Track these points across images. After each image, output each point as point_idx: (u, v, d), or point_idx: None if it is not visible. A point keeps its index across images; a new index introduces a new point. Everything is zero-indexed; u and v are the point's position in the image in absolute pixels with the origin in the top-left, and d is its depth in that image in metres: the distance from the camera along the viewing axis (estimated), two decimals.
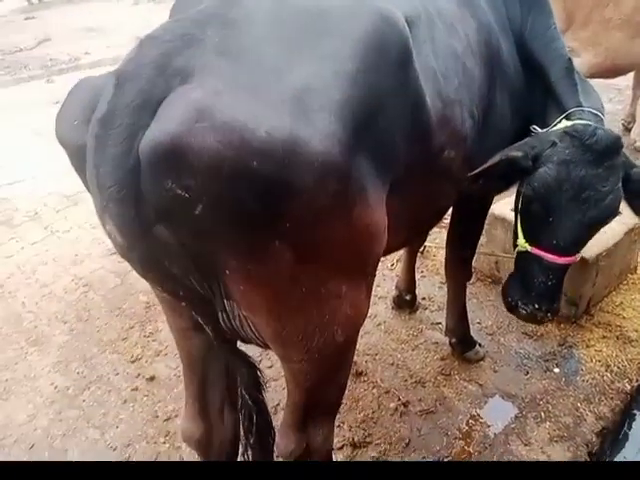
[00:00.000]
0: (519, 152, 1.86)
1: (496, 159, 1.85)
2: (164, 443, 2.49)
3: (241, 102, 1.08)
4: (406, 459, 2.38)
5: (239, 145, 1.04)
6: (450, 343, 2.89)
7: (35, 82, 8.77)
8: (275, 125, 1.07)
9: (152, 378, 2.83)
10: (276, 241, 1.17)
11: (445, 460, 2.38)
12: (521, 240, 1.97)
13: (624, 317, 3.09)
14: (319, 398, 1.58)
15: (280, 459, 1.70)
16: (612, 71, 4.40)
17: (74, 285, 3.57)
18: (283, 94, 1.13)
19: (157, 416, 2.62)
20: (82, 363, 2.95)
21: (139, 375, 2.86)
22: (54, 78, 8.78)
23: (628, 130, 5.28)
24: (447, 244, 2.70)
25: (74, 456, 2.46)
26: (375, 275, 1.56)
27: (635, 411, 2.71)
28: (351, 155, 1.20)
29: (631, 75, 5.28)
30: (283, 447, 1.64)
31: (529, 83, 2.17)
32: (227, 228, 1.14)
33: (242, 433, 1.72)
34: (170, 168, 1.05)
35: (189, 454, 2.43)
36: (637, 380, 2.80)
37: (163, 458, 2.43)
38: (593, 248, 2.91)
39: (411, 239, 2.46)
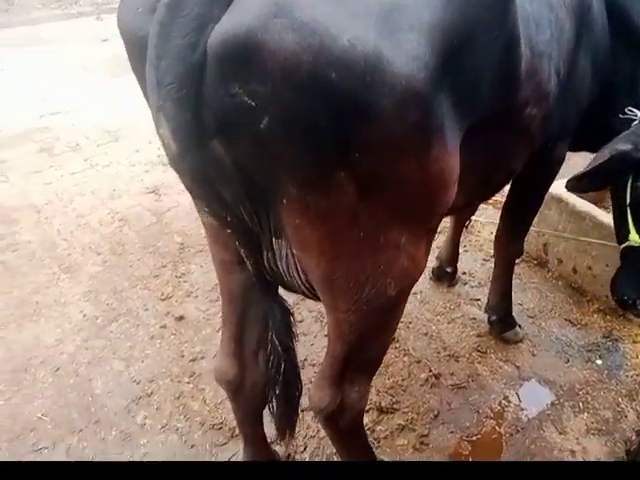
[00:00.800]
0: (628, 144, 1.71)
1: (605, 156, 1.69)
2: (188, 383, 2.46)
3: (324, 5, 0.96)
4: (433, 431, 2.30)
5: (318, 50, 0.93)
6: (489, 321, 2.77)
7: (84, 18, 8.71)
8: (359, 36, 0.95)
9: (181, 318, 2.78)
10: (342, 172, 1.07)
11: (473, 437, 2.29)
12: (635, 236, 1.85)
13: None
14: (360, 353, 1.48)
15: (310, 411, 1.63)
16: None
17: (110, 218, 3.53)
18: (370, 7, 1.00)
19: (183, 355, 2.58)
20: (112, 295, 2.92)
21: (168, 313, 2.82)
22: (103, 16, 8.70)
23: None
24: (502, 216, 2.55)
25: (98, 385, 2.44)
26: (435, 234, 1.45)
27: None
28: (436, 86, 1.07)
29: None
30: (317, 400, 1.56)
31: (615, 48, 1.98)
32: (292, 148, 1.03)
33: (269, 387, 1.63)
34: (239, 67, 0.94)
35: (212, 397, 2.40)
36: None
37: (186, 398, 2.39)
38: None
39: (470, 202, 2.31)
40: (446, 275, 3.08)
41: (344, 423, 1.62)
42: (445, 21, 1.07)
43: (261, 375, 1.68)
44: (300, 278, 1.36)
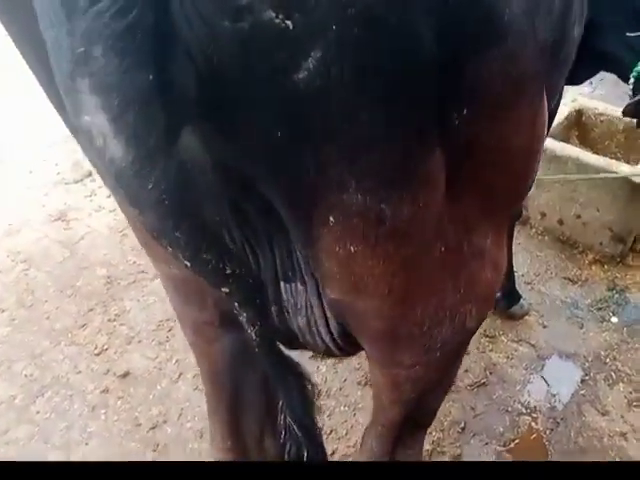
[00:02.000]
0: None
1: None
2: (153, 459, 1.92)
3: None
4: (465, 448, 1.93)
5: None
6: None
7: None
8: None
9: (126, 374, 2.21)
10: (438, 148, 0.64)
11: (511, 444, 1.94)
12: None
13: None
14: (421, 413, 1.09)
15: None
16: None
17: (10, 261, 2.83)
18: None
19: (139, 424, 2.03)
20: (30, 362, 2.28)
21: (108, 371, 2.23)
22: None
23: None
24: None
25: None
26: None
27: None
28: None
29: None
30: None
31: None
32: (364, 108, 0.55)
33: None
34: None
35: None
36: None
37: None
38: None
39: None
40: None
41: None
42: None
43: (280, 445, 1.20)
44: (330, 333, 0.92)
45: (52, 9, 0.47)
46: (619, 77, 1.76)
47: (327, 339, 0.93)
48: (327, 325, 0.90)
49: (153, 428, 2.01)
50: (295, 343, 0.97)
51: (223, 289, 0.70)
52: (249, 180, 0.68)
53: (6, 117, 4.04)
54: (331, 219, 0.67)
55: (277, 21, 0.48)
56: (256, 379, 1.08)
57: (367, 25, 0.50)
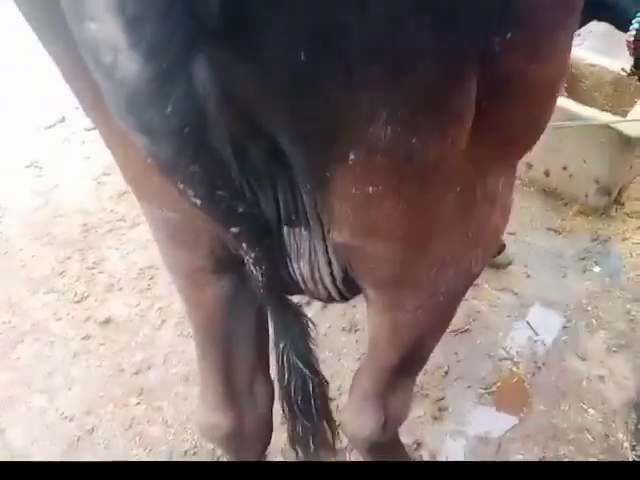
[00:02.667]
0: None
1: None
2: (138, 404, 1.90)
3: None
4: (449, 392, 1.95)
5: None
6: None
7: None
8: None
9: (107, 321, 2.17)
10: (472, 81, 0.59)
11: (493, 387, 1.97)
12: None
13: None
14: (416, 356, 1.09)
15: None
16: None
17: None
18: None
19: (122, 369, 2.00)
20: (8, 309, 2.22)
21: (89, 318, 2.18)
22: None
23: None
24: None
25: (16, 435, 1.83)
26: None
27: None
28: None
29: None
30: (358, 428, 1.18)
31: None
32: (405, 28, 0.50)
33: (291, 415, 1.13)
34: None
35: (174, 415, 1.88)
36: None
37: (141, 425, 1.85)
38: (635, 125, 2.44)
39: None
40: None
41: (387, 438, 1.22)
42: None
43: (263, 415, 1.20)
44: (333, 280, 0.88)
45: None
46: (615, 26, 1.72)
47: (329, 285, 0.89)
48: (330, 271, 0.87)
49: (137, 373, 1.98)
50: (295, 289, 0.93)
51: (233, 229, 0.65)
52: (257, 114, 0.62)
53: None
54: (351, 156, 0.61)
55: None
56: (247, 326, 1.06)
57: None
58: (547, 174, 2.74)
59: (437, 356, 2.05)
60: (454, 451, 1.81)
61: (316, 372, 1.02)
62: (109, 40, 0.42)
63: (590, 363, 2.04)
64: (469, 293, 2.23)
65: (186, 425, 1.84)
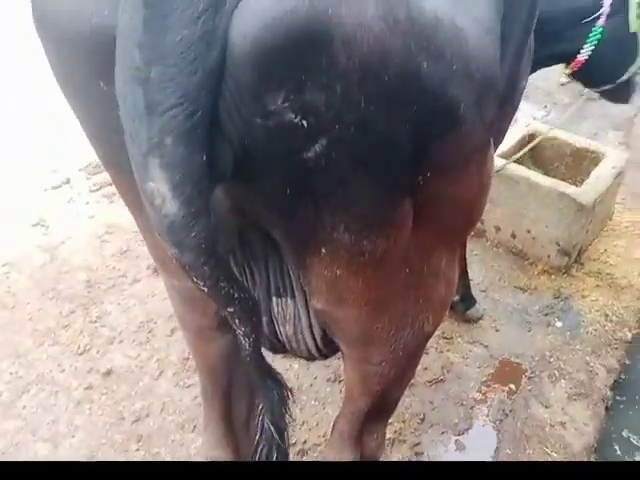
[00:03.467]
0: None
1: None
2: (137, 450, 2.05)
3: None
4: (424, 437, 2.12)
5: (408, 29, 0.65)
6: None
7: None
8: (442, 7, 0.70)
9: (108, 372, 2.33)
10: (408, 199, 0.83)
11: (465, 433, 2.15)
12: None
13: (611, 264, 2.99)
14: (385, 402, 1.30)
15: None
16: None
17: None
18: None
19: (123, 418, 2.15)
20: (15, 360, 2.38)
21: (91, 370, 2.35)
22: None
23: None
24: None
25: None
26: None
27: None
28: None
29: None
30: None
31: None
32: (358, 177, 0.75)
33: None
34: (291, 66, 0.62)
35: (171, 460, 2.02)
36: (636, 327, 2.72)
37: None
38: (590, 193, 2.75)
39: None
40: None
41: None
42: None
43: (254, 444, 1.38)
44: (314, 339, 1.12)
45: (135, 107, 0.64)
46: (566, 62, 2.15)
47: (310, 344, 1.12)
48: (311, 332, 1.09)
49: (136, 421, 2.13)
50: (279, 349, 1.16)
51: (229, 309, 0.86)
52: (257, 219, 0.87)
53: None
54: (323, 250, 0.86)
55: (296, 121, 0.66)
56: (243, 374, 1.26)
57: (360, 127, 0.70)
58: (514, 236, 3.02)
59: (414, 405, 2.24)
60: None
61: (284, 442, 1.19)
62: (160, 193, 0.67)
63: (552, 410, 2.24)
64: (443, 346, 2.47)
65: None
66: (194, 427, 2.11)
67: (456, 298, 2.59)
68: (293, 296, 1.02)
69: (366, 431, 1.33)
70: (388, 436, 2.09)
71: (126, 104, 0.65)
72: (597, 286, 2.86)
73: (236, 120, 0.67)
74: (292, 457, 1.97)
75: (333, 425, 1.42)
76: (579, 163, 3.20)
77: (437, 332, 2.49)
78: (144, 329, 2.53)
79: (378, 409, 1.28)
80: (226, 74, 0.64)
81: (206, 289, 0.80)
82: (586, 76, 2.27)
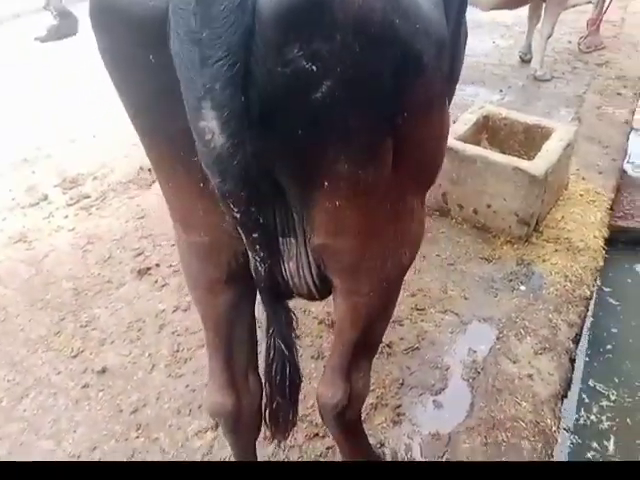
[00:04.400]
0: None
1: None
2: (137, 437, 2.17)
3: None
4: (405, 399, 2.28)
5: None
6: None
7: None
8: None
9: (103, 370, 2.44)
10: (389, 137, 1.05)
11: (441, 392, 2.32)
12: None
13: (569, 230, 3.20)
14: (370, 337, 1.47)
15: (321, 410, 1.58)
16: (517, 2, 4.55)
17: None
18: None
19: (121, 410, 2.27)
20: (11, 369, 2.48)
21: (86, 370, 2.46)
22: None
23: (525, 61, 5.50)
24: None
25: None
26: None
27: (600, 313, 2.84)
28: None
29: (515, 12, 5.49)
30: (329, 396, 1.51)
31: None
32: (353, 114, 0.96)
33: (270, 391, 1.49)
34: (302, 24, 0.84)
35: (170, 443, 2.15)
36: (593, 285, 2.93)
37: (140, 454, 2.11)
38: (541, 165, 2.95)
39: None
40: None
41: (352, 414, 1.60)
42: None
43: (255, 399, 1.56)
44: (312, 275, 1.29)
45: (191, 61, 0.84)
46: None
47: (309, 279, 1.30)
48: (309, 267, 1.28)
49: (134, 412, 2.25)
50: (285, 289, 1.33)
51: (254, 234, 1.08)
52: (271, 169, 1.06)
53: None
54: (326, 183, 1.07)
55: (307, 66, 0.87)
56: (245, 328, 1.46)
57: (355, 69, 0.91)
58: (475, 212, 3.21)
59: (394, 371, 2.40)
60: (412, 448, 2.13)
61: (293, 355, 1.41)
62: (210, 129, 0.88)
63: (520, 365, 2.42)
64: (417, 317, 2.64)
65: (181, 450, 2.11)
66: (190, 411, 2.24)
67: None
68: (295, 236, 1.22)
69: (354, 367, 1.50)
70: (371, 401, 2.26)
71: (183, 60, 0.85)
72: (556, 251, 3.06)
73: (262, 69, 0.87)
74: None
75: (327, 363, 1.59)
76: (531, 139, 3.41)
77: (410, 304, 2.69)
78: (133, 328, 2.65)
79: (365, 343, 1.45)
80: (255, 33, 0.84)
81: (239, 215, 1.02)
82: None
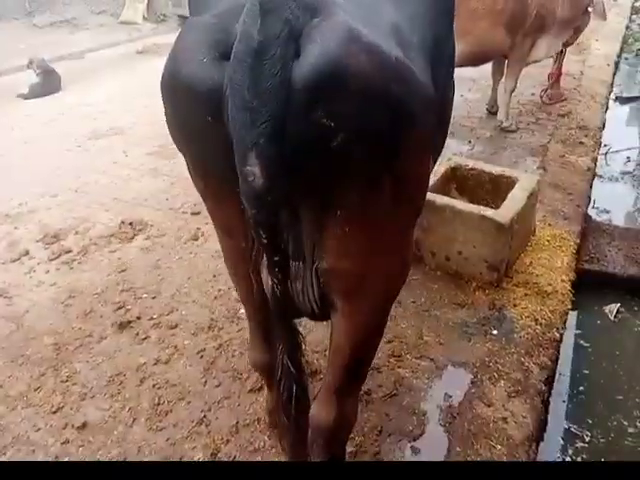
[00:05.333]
0: None
1: None
2: None
3: (365, 28, 1.16)
4: (384, 447, 2.33)
5: (383, 67, 1.15)
6: None
7: None
8: (397, 54, 1.19)
9: (83, 425, 2.44)
10: (388, 174, 1.29)
11: (419, 438, 2.37)
12: None
13: (537, 274, 3.34)
14: (365, 357, 1.68)
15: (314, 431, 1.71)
16: (480, 58, 4.85)
17: None
18: (386, 29, 1.25)
19: None
20: None
21: (66, 425, 2.45)
22: None
23: (492, 113, 5.80)
24: None
25: None
26: None
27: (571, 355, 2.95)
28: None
29: (482, 67, 5.84)
30: (325, 416, 1.66)
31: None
32: (359, 157, 1.22)
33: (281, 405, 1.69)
34: (325, 93, 1.11)
35: None
36: (563, 327, 3.05)
37: None
38: (506, 213, 3.11)
39: None
40: None
41: (342, 435, 1.76)
42: (425, 40, 1.43)
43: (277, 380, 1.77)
44: (314, 295, 1.50)
45: (243, 123, 1.11)
46: None
47: (312, 299, 1.51)
48: (313, 288, 1.48)
49: None
50: (292, 306, 1.53)
51: (275, 258, 1.34)
52: (295, 200, 1.31)
53: None
54: (338, 212, 1.30)
55: (327, 123, 1.13)
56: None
57: (362, 126, 1.17)
58: (447, 259, 3.34)
59: (372, 418, 2.45)
60: None
61: (301, 375, 1.63)
62: (253, 172, 1.13)
63: (495, 408, 2.49)
64: (394, 364, 2.72)
65: None
66: None
67: None
68: (304, 260, 1.45)
69: (347, 389, 1.67)
70: (350, 449, 2.30)
71: (237, 122, 1.12)
72: (526, 295, 3.19)
73: (294, 128, 1.13)
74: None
75: (320, 387, 1.75)
76: (498, 189, 3.60)
77: (387, 351, 2.77)
78: (114, 382, 2.67)
79: (358, 367, 1.65)
80: (290, 102, 1.10)
81: (266, 240, 1.28)
82: None
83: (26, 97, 6.84)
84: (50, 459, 2.30)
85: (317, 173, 1.23)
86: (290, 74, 1.09)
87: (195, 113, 1.23)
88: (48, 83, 7.09)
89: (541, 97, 6.19)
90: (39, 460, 2.11)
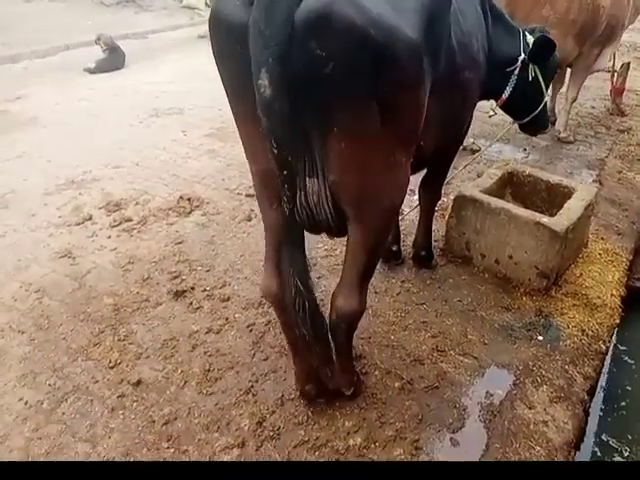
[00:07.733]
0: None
1: None
2: (168, 448, 2.28)
3: None
4: (423, 435, 2.38)
5: (363, 15, 1.50)
6: (418, 256, 3.44)
7: None
8: (381, 12, 1.55)
9: (138, 382, 2.58)
10: (375, 101, 1.62)
11: (459, 431, 2.41)
12: None
13: (586, 286, 3.32)
14: (372, 259, 2.06)
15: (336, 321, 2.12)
16: None
17: (24, 292, 3.18)
18: None
19: (153, 421, 2.40)
20: (52, 374, 2.63)
21: (122, 381, 2.60)
22: None
23: (552, 123, 5.72)
24: (426, 171, 3.08)
25: None
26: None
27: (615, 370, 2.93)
28: (423, 46, 1.67)
29: None
30: (347, 307, 2.06)
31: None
32: (347, 84, 1.56)
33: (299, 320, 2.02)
34: (318, 31, 1.48)
35: (198, 458, 2.26)
36: (609, 341, 3.03)
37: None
38: (562, 222, 3.11)
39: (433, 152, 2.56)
40: (393, 254, 3.44)
41: (357, 320, 2.17)
42: (424, 6, 1.72)
43: (292, 293, 2.02)
44: (329, 207, 1.84)
45: (257, 46, 1.50)
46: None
47: (327, 211, 1.86)
48: (327, 200, 1.83)
49: (166, 424, 2.38)
50: (309, 219, 1.90)
51: (284, 172, 1.68)
52: (299, 114, 1.61)
53: (11, 166, 4.47)
54: (335, 129, 1.65)
55: (320, 53, 1.51)
56: (292, 236, 1.99)
57: (350, 58, 1.55)
58: (497, 262, 3.35)
59: (413, 407, 2.50)
60: None
61: (310, 292, 2.00)
62: (264, 85, 1.51)
63: (536, 411, 2.51)
64: (437, 358, 2.77)
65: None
66: (218, 427, 2.36)
67: (422, 252, 3.41)
68: (317, 176, 1.79)
69: (358, 285, 2.06)
70: (390, 433, 2.36)
71: (254, 45, 1.50)
72: (574, 305, 3.18)
73: (295, 53, 1.49)
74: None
75: (339, 283, 2.12)
76: (554, 197, 3.58)
77: (431, 345, 2.81)
78: (168, 346, 2.80)
79: (369, 264, 2.05)
80: (295, 34, 1.49)
81: (277, 150, 1.61)
82: (508, 110, 3.29)
83: (92, 71, 7.13)
84: (107, 410, 2.45)
85: (315, 92, 1.56)
86: (293, 15, 1.47)
87: (229, 43, 1.61)
88: (114, 59, 7.36)
89: (611, 107, 6.19)
90: (39, 460, 2.22)
